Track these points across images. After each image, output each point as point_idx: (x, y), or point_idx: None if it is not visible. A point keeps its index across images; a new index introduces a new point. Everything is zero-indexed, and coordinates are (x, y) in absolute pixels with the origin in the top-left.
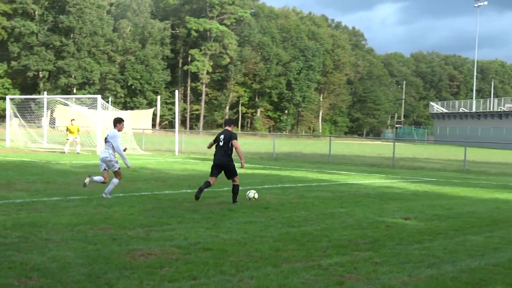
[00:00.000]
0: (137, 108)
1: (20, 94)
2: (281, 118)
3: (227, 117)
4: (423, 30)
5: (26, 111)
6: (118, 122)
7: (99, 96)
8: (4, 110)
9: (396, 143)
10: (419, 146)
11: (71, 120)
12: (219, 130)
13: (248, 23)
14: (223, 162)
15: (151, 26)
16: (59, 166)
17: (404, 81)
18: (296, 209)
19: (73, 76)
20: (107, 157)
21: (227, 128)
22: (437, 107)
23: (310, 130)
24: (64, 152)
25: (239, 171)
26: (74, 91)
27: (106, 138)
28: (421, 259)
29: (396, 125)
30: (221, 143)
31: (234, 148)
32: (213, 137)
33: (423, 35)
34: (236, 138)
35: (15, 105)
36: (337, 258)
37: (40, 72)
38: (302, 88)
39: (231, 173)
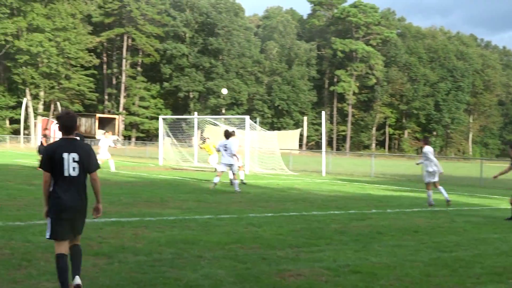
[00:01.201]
0: (284, 128)
1: (171, 114)
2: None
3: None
4: None
5: (178, 131)
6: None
7: (247, 117)
8: (157, 129)
9: None
10: None
11: (206, 139)
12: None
13: (395, 43)
14: None
15: (297, 47)
16: (207, 184)
17: None
18: (447, 233)
19: (222, 97)
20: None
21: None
22: None
23: (460, 152)
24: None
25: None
26: (223, 111)
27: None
28: None
29: None
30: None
31: None
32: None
33: None
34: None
35: (167, 124)
36: (491, 286)
37: (191, 93)
38: (451, 109)
39: None
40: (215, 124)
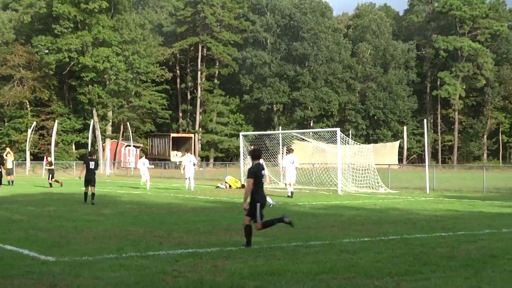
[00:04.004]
0: (381, 140)
1: (253, 130)
2: None
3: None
4: None
5: (261, 148)
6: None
7: (338, 129)
8: (237, 148)
9: None
10: None
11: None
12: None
13: (506, 38)
14: None
15: (393, 48)
16: (296, 207)
17: None
18: None
19: (309, 108)
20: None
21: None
22: None
23: None
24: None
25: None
26: (311, 124)
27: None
28: None
29: None
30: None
31: None
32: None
33: None
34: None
35: (249, 142)
36: None
37: (274, 105)
38: None
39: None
40: (302, 139)
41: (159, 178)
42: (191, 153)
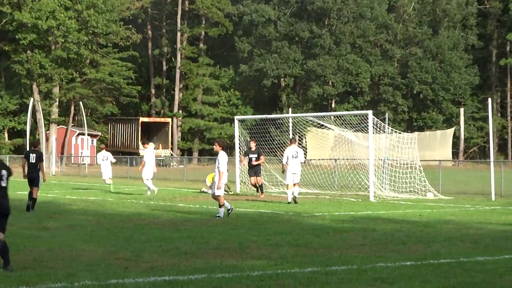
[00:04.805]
0: (429, 128)
1: (253, 113)
2: None
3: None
4: None
5: (263, 138)
6: None
7: (370, 112)
8: (231, 137)
9: None
10: None
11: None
12: None
13: None
14: None
15: (446, 0)
16: (313, 219)
17: None
18: None
19: (330, 83)
20: None
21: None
22: None
23: None
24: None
25: None
26: (333, 105)
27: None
28: None
29: None
30: None
31: None
32: None
33: None
34: None
35: (247, 129)
36: None
37: (282, 79)
38: None
39: None
40: (321, 126)
41: (123, 179)
42: (151, 146)
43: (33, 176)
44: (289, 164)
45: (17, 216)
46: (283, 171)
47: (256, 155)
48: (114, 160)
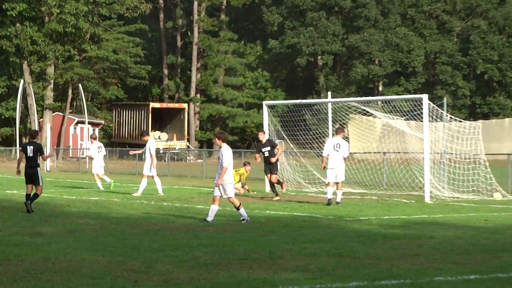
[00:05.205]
0: (495, 115)
1: (285, 98)
2: None
3: None
4: None
5: (296, 126)
6: None
7: (425, 96)
8: (258, 126)
9: None
10: None
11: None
12: None
13: None
14: None
15: None
16: (357, 224)
17: None
18: None
19: (376, 61)
20: None
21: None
22: None
23: None
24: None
25: None
26: (380, 88)
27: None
28: None
29: None
30: None
31: None
32: None
33: None
34: None
35: (278, 117)
36: None
37: (319, 57)
38: None
39: None
40: (366, 113)
41: (131, 176)
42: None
43: (31, 173)
44: (329, 158)
45: (6, 220)
46: (324, 168)
47: (268, 148)
48: (105, 153)
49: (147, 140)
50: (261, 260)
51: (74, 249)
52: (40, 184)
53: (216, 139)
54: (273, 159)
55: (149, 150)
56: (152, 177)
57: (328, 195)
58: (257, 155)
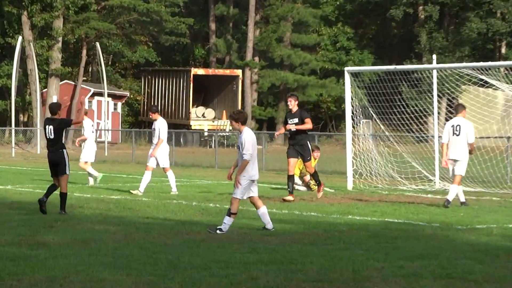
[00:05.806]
0: None
1: (373, 63)
2: None
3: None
4: None
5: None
6: None
7: None
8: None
9: None
10: None
11: None
12: None
13: None
14: None
15: None
16: (472, 235)
17: None
18: None
19: (498, 14)
20: None
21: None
22: None
23: None
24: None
25: None
26: (503, 50)
27: None
28: None
29: None
30: None
31: None
32: None
33: None
34: None
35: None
36: None
37: (420, 8)
38: None
39: None
40: (482, 84)
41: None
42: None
43: (55, 159)
44: (452, 145)
45: (2, 227)
46: (445, 162)
47: (296, 120)
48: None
49: (155, 120)
50: (342, 282)
51: (88, 265)
52: (66, 172)
53: (233, 122)
54: (293, 127)
55: (159, 132)
56: (165, 170)
57: (448, 196)
58: (283, 128)
